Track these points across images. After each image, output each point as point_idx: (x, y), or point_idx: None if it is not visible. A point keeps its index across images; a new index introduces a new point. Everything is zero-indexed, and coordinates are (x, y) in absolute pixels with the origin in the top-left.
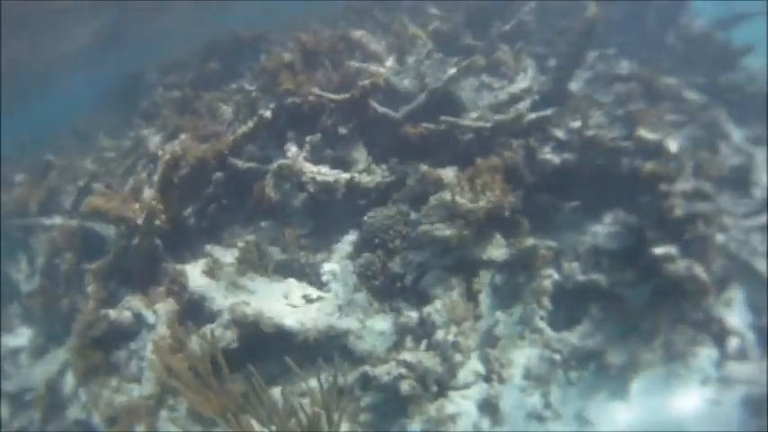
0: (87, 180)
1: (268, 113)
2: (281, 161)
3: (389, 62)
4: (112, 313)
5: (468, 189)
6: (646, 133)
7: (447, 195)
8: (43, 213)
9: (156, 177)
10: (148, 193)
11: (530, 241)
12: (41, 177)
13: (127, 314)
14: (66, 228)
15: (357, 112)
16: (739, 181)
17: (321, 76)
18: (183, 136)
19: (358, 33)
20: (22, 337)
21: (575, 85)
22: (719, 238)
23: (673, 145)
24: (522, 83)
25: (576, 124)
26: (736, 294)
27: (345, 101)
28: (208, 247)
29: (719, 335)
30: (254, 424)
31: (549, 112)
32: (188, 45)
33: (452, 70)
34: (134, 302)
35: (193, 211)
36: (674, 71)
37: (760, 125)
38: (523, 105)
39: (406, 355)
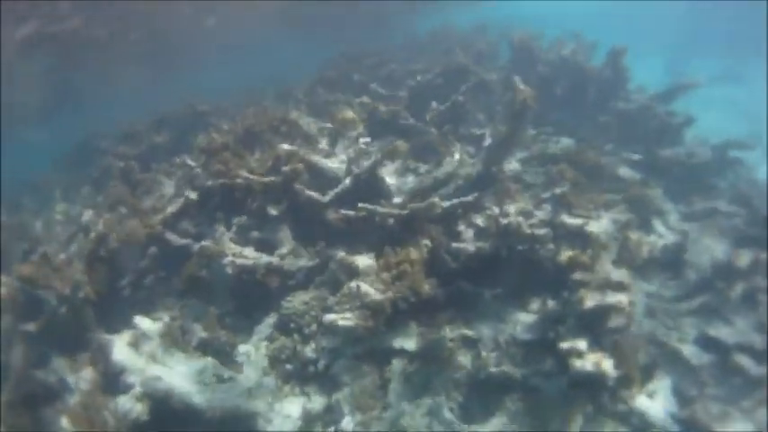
0: (33, 244)
1: (193, 195)
2: (204, 243)
3: (322, 144)
4: (40, 374)
5: (382, 278)
6: (567, 218)
7: (354, 285)
8: None
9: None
10: (77, 267)
11: (442, 331)
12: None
13: (53, 377)
14: (10, 289)
15: (285, 194)
16: (672, 262)
17: (257, 157)
18: (105, 216)
19: (295, 114)
20: None
21: (508, 166)
22: (646, 324)
23: (596, 229)
24: (447, 167)
25: (494, 211)
26: (663, 383)
27: (271, 184)
28: (137, 319)
29: (640, 428)
30: None
31: (469, 198)
32: (149, 109)
33: (375, 156)
34: (60, 366)
35: (128, 282)
36: (615, 147)
37: (700, 200)
38: (447, 190)
39: None
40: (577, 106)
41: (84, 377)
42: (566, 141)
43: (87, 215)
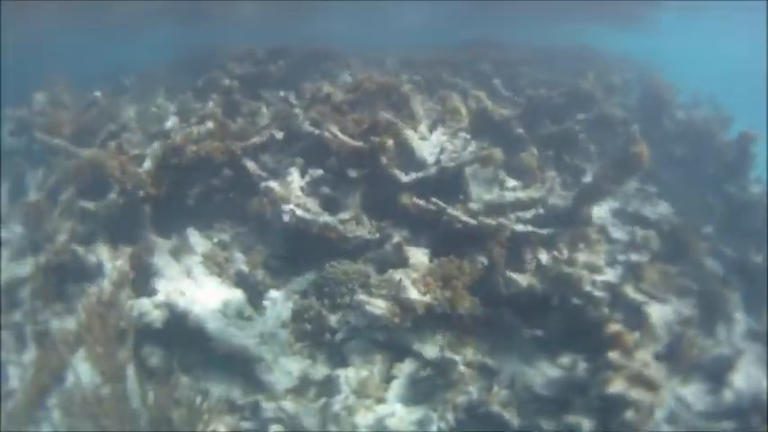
0: (118, 130)
1: (280, 135)
2: (272, 183)
3: (422, 125)
4: (81, 251)
5: (427, 279)
6: (632, 291)
7: (398, 276)
8: (74, 141)
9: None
10: (146, 165)
11: (463, 351)
12: (86, 109)
13: (93, 258)
14: (84, 161)
15: (368, 162)
16: (716, 375)
17: (355, 117)
18: (187, 128)
19: (408, 87)
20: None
21: (597, 212)
22: (664, 429)
23: (656, 314)
24: (534, 191)
25: (563, 254)
26: None
27: (358, 149)
28: (189, 231)
29: None
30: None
31: (543, 231)
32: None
33: (468, 156)
34: (102, 251)
35: (195, 194)
36: (712, 232)
37: None
38: (526, 214)
39: (292, 404)
40: (691, 175)
41: (118, 268)
42: (664, 208)
43: (172, 121)
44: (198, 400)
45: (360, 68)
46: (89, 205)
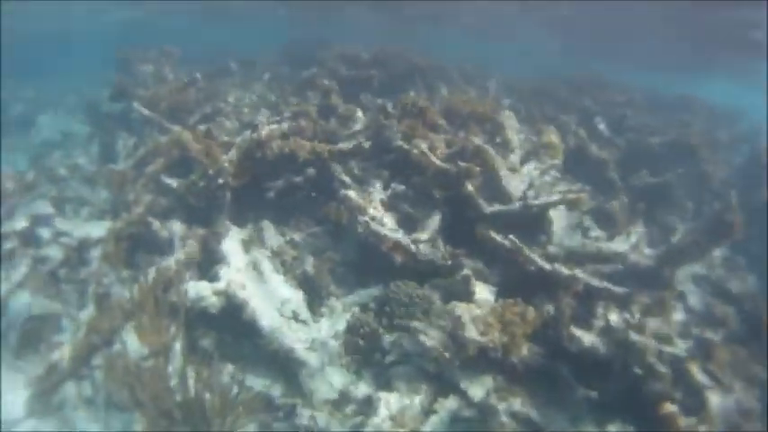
0: (213, 113)
1: (367, 144)
2: (351, 192)
3: (514, 155)
4: (156, 225)
5: (488, 318)
6: (697, 371)
7: (458, 312)
8: (169, 117)
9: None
10: (231, 155)
11: (510, 400)
12: (187, 85)
13: (165, 233)
14: (171, 139)
15: (453, 185)
16: None
17: (446, 137)
18: (269, 126)
19: (506, 114)
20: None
21: (679, 275)
22: None
23: (715, 403)
24: (617, 245)
25: (634, 318)
26: None
27: (444, 171)
28: (264, 224)
29: None
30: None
31: (619, 290)
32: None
33: (555, 197)
34: (176, 227)
35: (277, 188)
36: None
37: None
38: (604, 268)
39: (326, 416)
40: None
41: (187, 247)
42: (750, 283)
43: (263, 114)
44: (235, 390)
45: (461, 87)
46: (171, 182)
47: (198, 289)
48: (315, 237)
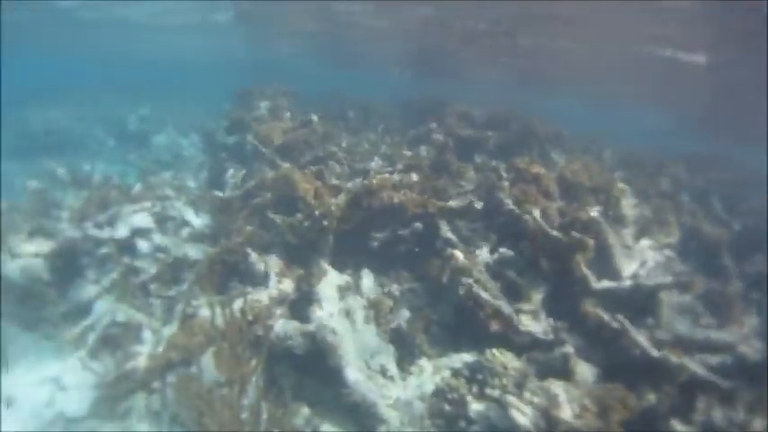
0: (325, 155)
1: (478, 206)
2: (458, 252)
3: (627, 230)
4: (254, 257)
5: (585, 401)
6: None
7: (555, 391)
8: (280, 154)
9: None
10: (339, 199)
11: None
12: (301, 125)
13: (262, 266)
14: (281, 175)
15: (562, 256)
16: None
17: (558, 205)
18: (380, 175)
19: (620, 187)
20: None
21: None
22: None
23: None
24: (728, 335)
25: (738, 416)
26: None
27: (554, 240)
28: (364, 272)
29: None
30: None
31: (726, 384)
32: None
33: (668, 278)
34: (273, 263)
35: (382, 238)
36: None
37: None
38: (713, 359)
39: None
40: None
41: (282, 284)
42: None
43: (375, 163)
44: None
45: (576, 155)
46: (275, 217)
47: (287, 327)
48: (413, 292)
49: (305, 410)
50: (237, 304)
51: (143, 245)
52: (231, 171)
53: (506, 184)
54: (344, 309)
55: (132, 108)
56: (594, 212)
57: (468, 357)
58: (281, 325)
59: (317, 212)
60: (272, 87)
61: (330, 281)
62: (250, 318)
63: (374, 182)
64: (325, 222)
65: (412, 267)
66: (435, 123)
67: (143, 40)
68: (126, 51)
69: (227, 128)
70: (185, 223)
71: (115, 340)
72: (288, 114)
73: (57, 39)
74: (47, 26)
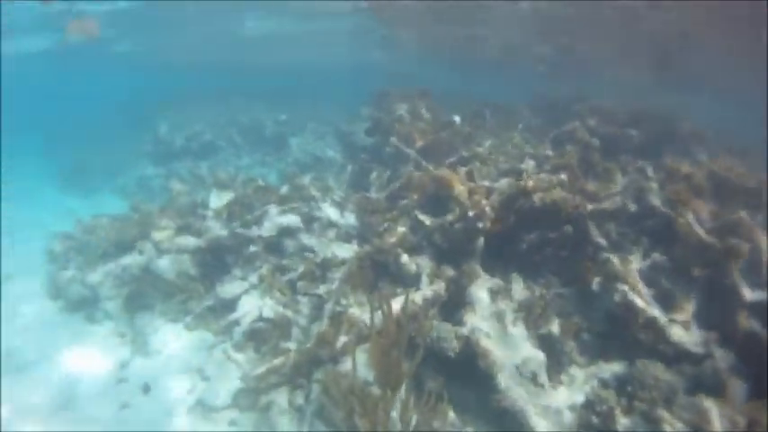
0: (470, 156)
1: (633, 207)
2: (612, 257)
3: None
4: (405, 258)
5: (735, 417)
6: None
7: (705, 404)
8: (423, 155)
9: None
10: (493, 200)
11: None
12: (443, 127)
13: (413, 267)
14: (432, 176)
15: (715, 263)
16: None
17: (713, 209)
18: (536, 176)
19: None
20: (343, 218)
21: None
22: None
23: None
24: None
25: None
26: None
27: (707, 245)
28: (513, 276)
29: None
30: None
31: None
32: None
33: None
34: (425, 264)
35: (530, 240)
36: None
37: None
38: None
39: None
40: None
41: (435, 285)
42: None
43: (528, 164)
44: None
45: (722, 155)
46: (425, 218)
47: (440, 329)
48: (562, 297)
49: (450, 414)
50: (396, 304)
51: (290, 244)
52: (375, 173)
53: (655, 185)
54: (496, 313)
55: (267, 112)
56: (746, 216)
57: (617, 367)
58: (435, 327)
59: (471, 214)
60: (409, 89)
61: (481, 284)
62: (405, 319)
63: (530, 183)
64: (480, 224)
65: (558, 271)
66: (578, 122)
67: (278, 47)
68: (259, 58)
69: (367, 130)
70: (331, 224)
71: (261, 335)
72: (427, 116)
73: (190, 45)
74: (183, 29)
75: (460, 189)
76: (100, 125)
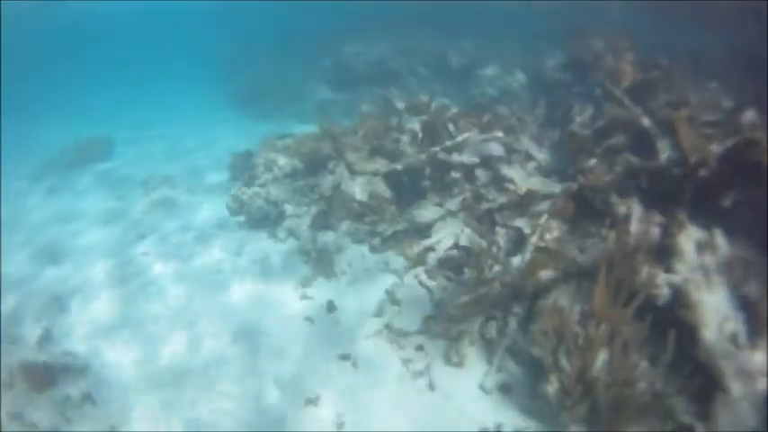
0: (675, 99)
1: None
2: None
3: None
4: (614, 198)
5: None
6: None
7: None
8: (628, 94)
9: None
10: (715, 148)
11: None
12: (648, 69)
13: (623, 209)
14: (633, 116)
15: None
16: None
17: None
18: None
19: None
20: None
21: None
22: None
23: None
24: None
25: None
26: None
27: None
28: (716, 231)
29: None
30: None
31: None
32: None
33: None
34: (635, 207)
35: (737, 195)
36: None
37: None
38: None
39: None
40: None
41: (643, 231)
42: None
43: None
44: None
45: None
46: (634, 159)
47: (650, 274)
48: (761, 261)
49: (643, 364)
50: (621, 243)
51: (489, 174)
52: (576, 108)
53: None
54: (701, 266)
55: (450, 44)
56: None
57: None
58: (646, 272)
59: (691, 160)
60: (603, 30)
61: (689, 234)
62: (618, 257)
63: (757, 134)
64: (701, 172)
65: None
66: None
67: None
68: None
69: (565, 65)
70: (530, 157)
71: (455, 263)
72: (630, 56)
73: None
74: None
75: (685, 133)
76: (277, 51)
